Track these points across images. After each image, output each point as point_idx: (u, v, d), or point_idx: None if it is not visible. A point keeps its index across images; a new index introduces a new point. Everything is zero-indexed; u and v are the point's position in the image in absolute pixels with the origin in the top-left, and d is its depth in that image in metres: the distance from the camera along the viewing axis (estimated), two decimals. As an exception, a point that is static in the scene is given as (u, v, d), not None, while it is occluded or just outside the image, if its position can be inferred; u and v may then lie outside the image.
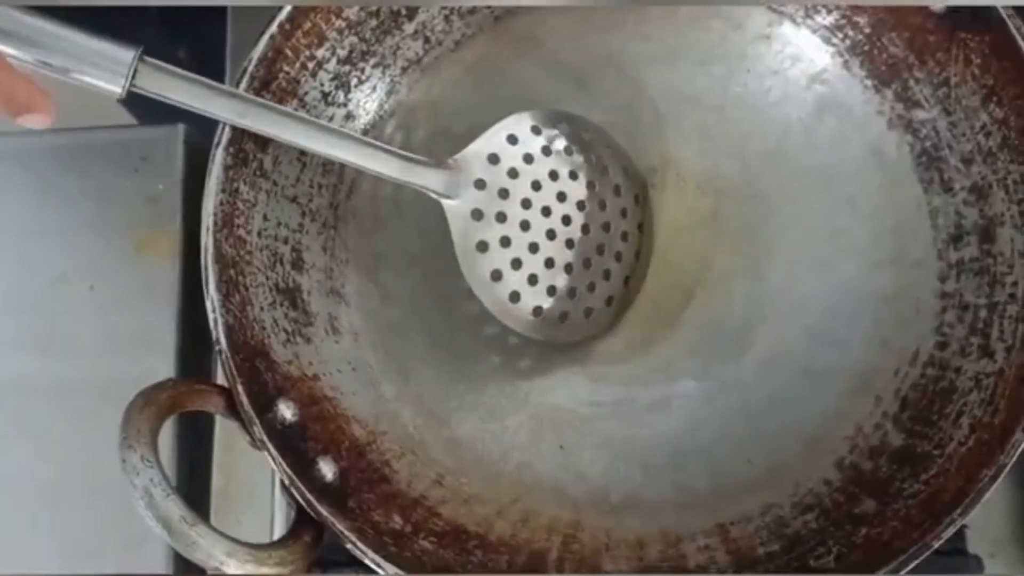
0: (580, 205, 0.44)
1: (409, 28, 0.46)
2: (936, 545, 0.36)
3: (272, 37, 0.43)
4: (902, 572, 0.37)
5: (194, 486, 0.49)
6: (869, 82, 0.45)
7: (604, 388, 0.45)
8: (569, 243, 0.44)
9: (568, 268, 0.44)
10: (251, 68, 0.42)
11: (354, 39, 0.45)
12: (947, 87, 0.43)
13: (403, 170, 0.42)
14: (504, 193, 0.43)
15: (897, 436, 0.41)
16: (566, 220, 0.44)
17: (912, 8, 0.43)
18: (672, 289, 0.46)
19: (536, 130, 0.44)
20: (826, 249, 0.45)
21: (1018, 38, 0.40)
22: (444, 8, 0.47)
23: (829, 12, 0.45)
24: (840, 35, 0.45)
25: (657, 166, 0.46)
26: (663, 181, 0.46)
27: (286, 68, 0.43)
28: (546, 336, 0.44)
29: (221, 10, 0.55)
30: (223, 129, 0.41)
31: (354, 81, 0.46)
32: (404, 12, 0.46)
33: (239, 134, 0.42)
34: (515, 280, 0.43)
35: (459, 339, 0.46)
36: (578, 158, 0.45)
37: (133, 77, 0.38)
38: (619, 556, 0.41)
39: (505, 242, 0.43)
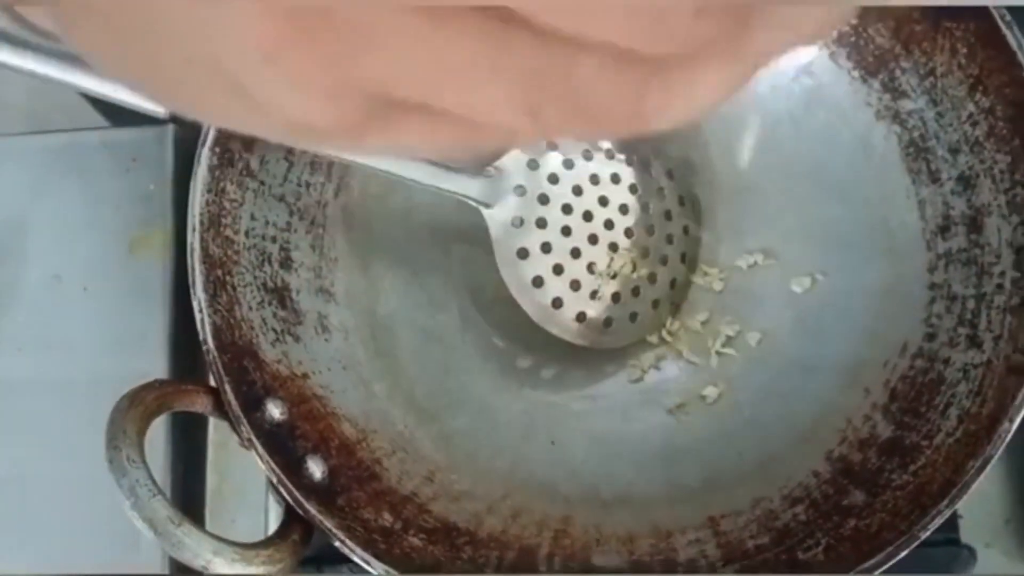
0: (623, 209, 0.44)
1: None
2: (923, 536, 0.36)
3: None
4: (891, 562, 0.37)
5: (188, 486, 0.49)
6: (856, 73, 0.45)
7: (596, 383, 0.45)
8: (612, 247, 0.44)
9: (611, 273, 0.44)
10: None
11: None
12: (933, 77, 0.43)
13: (441, 178, 0.41)
14: (544, 199, 0.43)
15: (886, 428, 0.41)
16: (608, 224, 0.44)
17: (897, -3, 0.43)
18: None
19: None
20: (816, 241, 0.45)
21: (1002, 27, 0.40)
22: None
23: (815, 3, 0.45)
24: (827, 26, 0.45)
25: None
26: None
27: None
28: (591, 341, 0.44)
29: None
30: (208, 129, 0.41)
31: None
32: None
33: (225, 134, 0.42)
34: (557, 286, 0.43)
35: (449, 336, 0.46)
36: (620, 162, 0.44)
37: None
38: (610, 551, 0.41)
39: (546, 248, 0.43)
